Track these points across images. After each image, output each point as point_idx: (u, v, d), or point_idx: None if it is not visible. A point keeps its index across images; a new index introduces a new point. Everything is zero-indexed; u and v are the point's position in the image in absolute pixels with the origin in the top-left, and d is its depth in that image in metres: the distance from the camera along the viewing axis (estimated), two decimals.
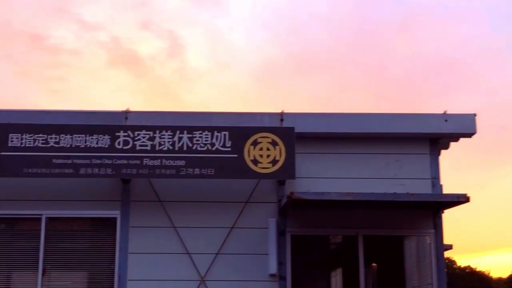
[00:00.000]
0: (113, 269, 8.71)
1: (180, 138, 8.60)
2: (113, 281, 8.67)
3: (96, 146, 8.52)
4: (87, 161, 8.48)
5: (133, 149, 8.55)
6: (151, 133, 8.60)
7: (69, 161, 8.46)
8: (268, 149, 8.59)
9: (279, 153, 8.58)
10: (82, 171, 8.47)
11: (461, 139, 9.32)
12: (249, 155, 8.58)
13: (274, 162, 8.57)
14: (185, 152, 8.58)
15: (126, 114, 9.00)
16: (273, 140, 8.61)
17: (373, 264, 10.28)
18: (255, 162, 8.57)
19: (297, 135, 8.73)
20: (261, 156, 8.58)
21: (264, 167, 8.56)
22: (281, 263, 8.76)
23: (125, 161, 8.51)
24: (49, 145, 8.48)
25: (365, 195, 8.02)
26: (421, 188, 8.86)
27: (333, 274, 11.82)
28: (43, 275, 8.63)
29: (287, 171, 8.56)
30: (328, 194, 7.98)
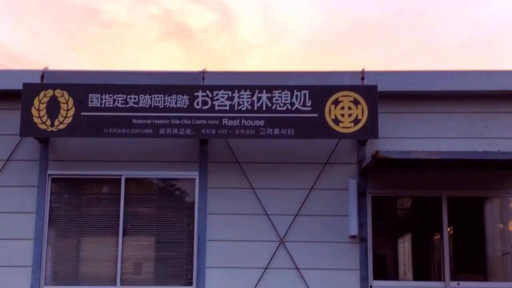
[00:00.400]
0: (193, 229, 8.71)
1: (259, 98, 8.45)
2: (192, 242, 8.68)
3: (175, 106, 8.45)
4: (167, 121, 8.42)
5: (212, 109, 8.45)
6: (229, 92, 8.47)
7: (149, 121, 8.41)
8: (349, 108, 8.38)
9: (361, 112, 8.35)
10: (161, 131, 8.41)
11: None
12: (330, 115, 8.38)
13: (356, 121, 8.35)
14: (264, 112, 8.44)
15: (203, 74, 8.89)
16: (355, 98, 8.38)
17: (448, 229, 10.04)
18: (336, 121, 8.37)
19: (378, 94, 8.49)
20: (342, 115, 8.37)
21: (346, 126, 8.36)
22: (361, 225, 8.61)
23: (204, 121, 8.42)
24: (128, 105, 8.44)
25: (454, 153, 7.75)
26: (508, 148, 8.53)
27: (407, 237, 11.60)
28: (123, 235, 8.69)
29: (370, 130, 8.34)
30: (415, 153, 7.73)
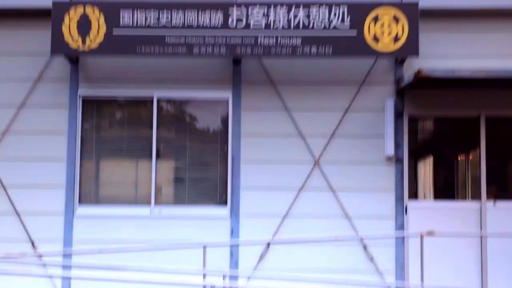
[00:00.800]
0: (227, 151, 8.62)
1: (295, 15, 8.20)
2: (227, 163, 8.60)
3: (209, 24, 8.20)
4: (200, 40, 8.19)
5: (247, 27, 8.20)
6: (265, 9, 8.20)
7: (182, 40, 8.18)
8: (389, 26, 8.14)
9: (402, 29, 8.11)
10: (195, 50, 8.18)
11: None
12: (369, 32, 8.15)
13: (396, 39, 8.12)
14: (301, 30, 8.20)
15: None
16: (395, 15, 8.12)
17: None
18: (375, 39, 8.14)
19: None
20: (382, 33, 8.14)
21: (385, 44, 8.14)
22: (397, 145, 8.52)
23: (239, 40, 8.19)
24: (161, 23, 8.18)
25: (499, 72, 7.56)
26: None
27: (438, 158, 11.47)
28: (157, 157, 8.60)
29: (410, 48, 8.10)
30: (460, 72, 7.54)
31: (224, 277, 7.16)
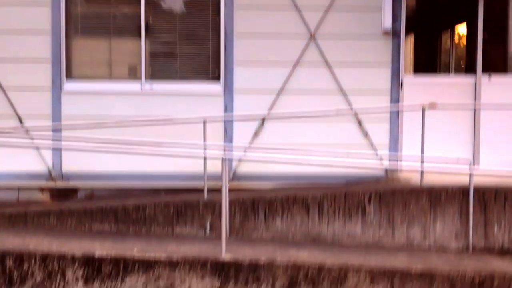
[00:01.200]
0: (219, 23, 8.27)
1: None
2: (219, 36, 8.28)
3: None
4: None
5: None
6: None
7: None
8: None
9: None
10: None
11: None
12: None
13: None
14: None
15: None
16: None
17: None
18: None
19: None
20: None
21: None
22: (395, 18, 8.30)
23: None
24: None
25: None
26: None
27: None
28: (146, 31, 8.23)
29: None
30: None
31: (224, 150, 7.07)
